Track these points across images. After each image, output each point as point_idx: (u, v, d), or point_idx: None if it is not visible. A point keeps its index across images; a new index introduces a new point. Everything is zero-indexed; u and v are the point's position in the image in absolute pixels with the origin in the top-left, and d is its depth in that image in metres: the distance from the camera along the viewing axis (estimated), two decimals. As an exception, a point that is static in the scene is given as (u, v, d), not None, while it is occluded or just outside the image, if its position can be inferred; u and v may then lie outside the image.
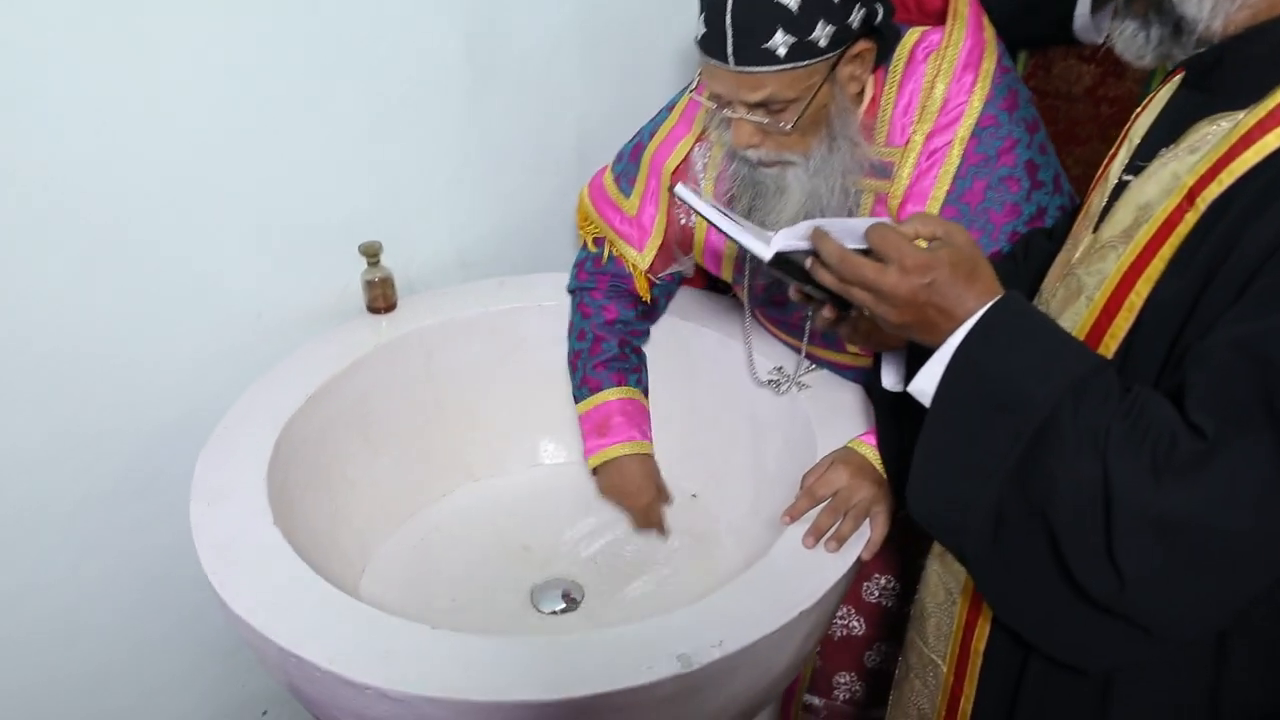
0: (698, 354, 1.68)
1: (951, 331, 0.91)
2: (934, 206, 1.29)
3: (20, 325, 1.33)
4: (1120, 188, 0.96)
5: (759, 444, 1.61)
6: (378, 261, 1.62)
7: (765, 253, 0.96)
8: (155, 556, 1.58)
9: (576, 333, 1.66)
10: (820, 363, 1.56)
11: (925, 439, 0.95)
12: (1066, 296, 1.00)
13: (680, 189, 1.07)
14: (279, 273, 1.56)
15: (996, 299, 0.90)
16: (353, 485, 1.56)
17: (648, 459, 1.62)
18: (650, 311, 1.67)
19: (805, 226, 0.95)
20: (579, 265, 1.67)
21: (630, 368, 1.63)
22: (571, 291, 1.69)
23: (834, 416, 1.45)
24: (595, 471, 1.64)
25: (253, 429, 1.40)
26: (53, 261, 1.33)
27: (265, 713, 1.86)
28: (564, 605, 1.52)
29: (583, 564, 1.60)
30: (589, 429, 1.62)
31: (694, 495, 1.71)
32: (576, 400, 1.65)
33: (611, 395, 1.60)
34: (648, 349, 1.69)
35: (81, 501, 1.48)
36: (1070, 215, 1.18)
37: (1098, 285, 0.93)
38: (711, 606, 1.17)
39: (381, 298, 1.64)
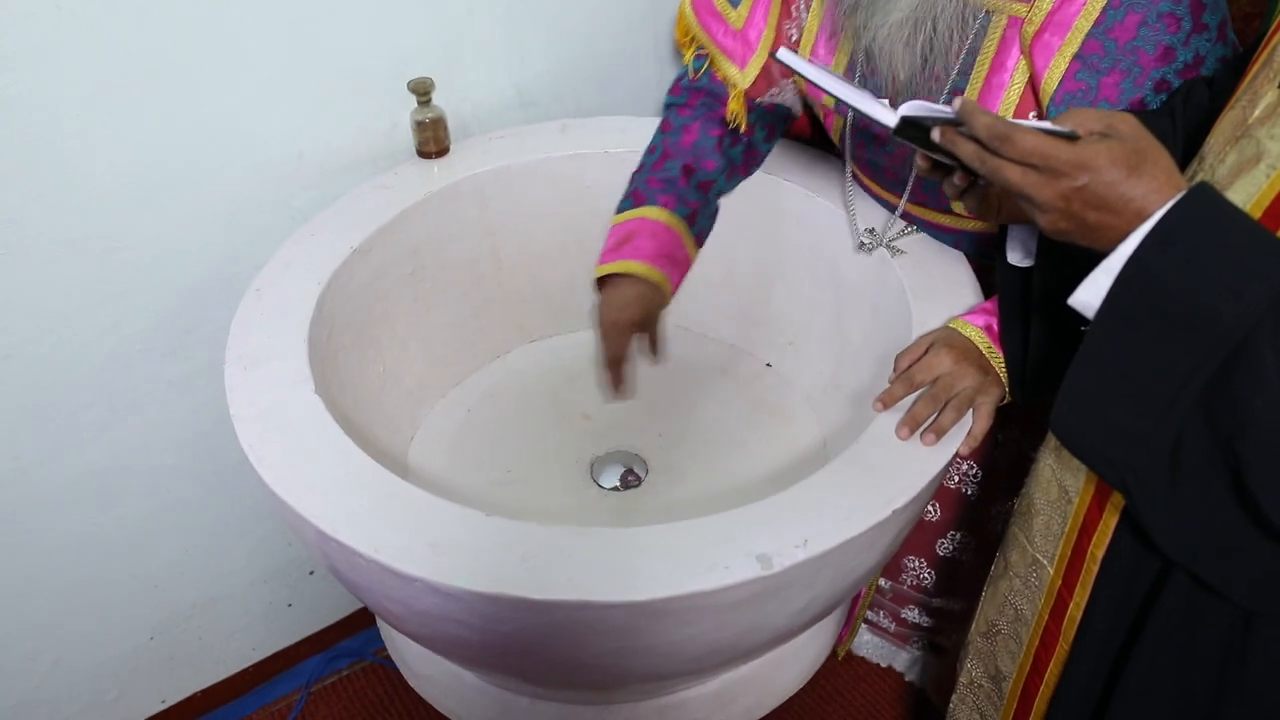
0: (777, 210, 1.52)
1: (1122, 237, 0.76)
2: (1075, 39, 1.11)
3: (38, 166, 1.22)
4: None
5: (843, 311, 1.47)
6: (429, 100, 1.46)
7: (890, 119, 0.87)
8: (192, 417, 1.50)
9: (648, 148, 1.46)
10: (919, 223, 1.40)
11: (1087, 361, 0.81)
12: (1240, 163, 0.83)
13: (783, 52, 0.95)
14: (321, 111, 1.42)
15: (1178, 197, 0.75)
16: (402, 345, 1.45)
17: (654, 291, 1.33)
18: (745, 160, 1.47)
19: (939, 106, 0.86)
20: (676, 80, 1.49)
21: (686, 198, 1.38)
22: (665, 107, 1.50)
23: (933, 288, 1.30)
24: (599, 287, 1.36)
25: (293, 284, 1.28)
26: (71, 93, 1.20)
27: (311, 572, 1.81)
28: (626, 481, 1.42)
29: (647, 435, 1.49)
30: (611, 241, 1.37)
31: (768, 364, 1.59)
32: (616, 213, 1.40)
33: (651, 213, 1.36)
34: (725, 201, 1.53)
35: (111, 358, 1.39)
36: (1233, 65, 1.00)
37: None
38: (794, 500, 1.05)
39: (433, 140, 1.49)
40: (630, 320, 1.31)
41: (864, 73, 1.26)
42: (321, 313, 1.27)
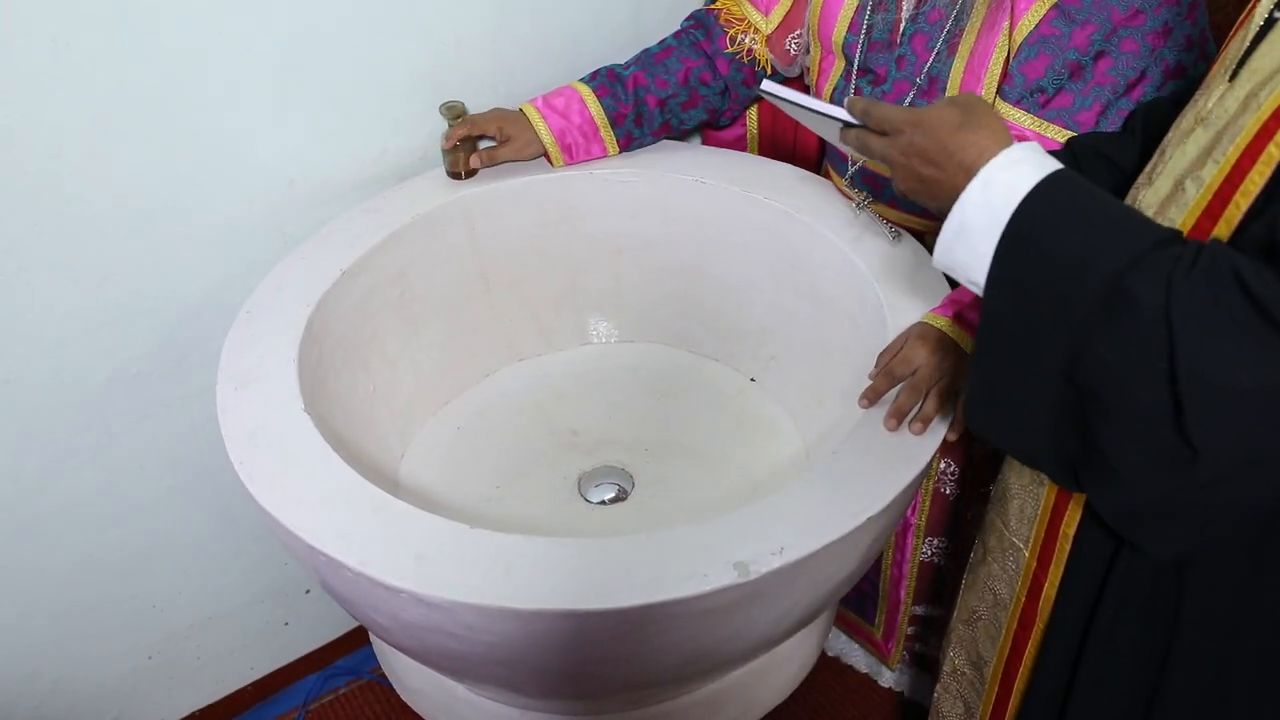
0: (757, 227, 1.55)
1: (954, 191, 0.82)
2: None
3: (36, 196, 1.25)
4: (1268, 28, 0.82)
5: (822, 326, 1.50)
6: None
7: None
8: (188, 440, 1.53)
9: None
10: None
11: (980, 346, 0.86)
12: (1198, 154, 0.87)
13: (767, 84, 1.05)
14: (312, 140, 1.45)
15: (1051, 173, 0.79)
16: (392, 365, 1.48)
17: (532, 132, 1.52)
18: (727, 103, 1.59)
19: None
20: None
21: (620, 99, 1.52)
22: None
23: (905, 298, 1.33)
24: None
25: (283, 307, 1.32)
26: (68, 125, 1.23)
27: (308, 591, 1.83)
28: (613, 495, 1.45)
29: (633, 450, 1.52)
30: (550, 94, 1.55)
31: (751, 379, 1.62)
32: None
33: (581, 88, 1.53)
34: (710, 223, 1.57)
35: (108, 382, 1.42)
36: (1200, 75, 1.05)
37: (1232, 139, 0.80)
38: (771, 508, 1.07)
39: (464, 161, 1.52)
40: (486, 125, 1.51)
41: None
42: (311, 334, 1.29)
